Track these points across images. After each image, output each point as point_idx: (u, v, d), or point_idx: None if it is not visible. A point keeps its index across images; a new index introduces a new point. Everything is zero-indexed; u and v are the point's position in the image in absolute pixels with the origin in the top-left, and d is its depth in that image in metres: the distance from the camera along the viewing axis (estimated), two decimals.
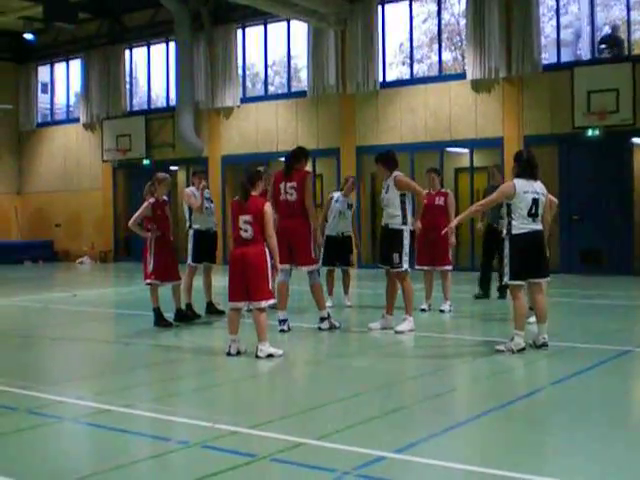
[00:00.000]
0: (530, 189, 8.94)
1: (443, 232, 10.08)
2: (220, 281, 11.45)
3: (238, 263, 8.94)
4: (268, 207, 9.04)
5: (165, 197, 11.61)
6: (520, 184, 8.94)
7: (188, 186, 13.92)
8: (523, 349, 8.92)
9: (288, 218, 10.61)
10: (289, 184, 10.68)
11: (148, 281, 11.35)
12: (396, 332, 10.55)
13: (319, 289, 10.88)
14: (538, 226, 9.02)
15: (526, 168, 9.12)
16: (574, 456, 5.40)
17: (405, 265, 10.53)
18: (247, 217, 8.94)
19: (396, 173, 10.63)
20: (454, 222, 9.63)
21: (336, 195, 13.29)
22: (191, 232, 12.33)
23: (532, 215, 8.91)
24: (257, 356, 8.84)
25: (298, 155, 10.95)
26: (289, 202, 10.67)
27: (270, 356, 8.86)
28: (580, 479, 4.87)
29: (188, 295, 12.12)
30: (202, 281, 12.58)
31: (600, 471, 5.08)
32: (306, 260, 10.71)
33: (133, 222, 11.43)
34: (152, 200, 11.36)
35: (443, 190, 12.93)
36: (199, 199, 12.20)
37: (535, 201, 8.91)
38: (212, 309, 12.49)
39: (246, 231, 8.94)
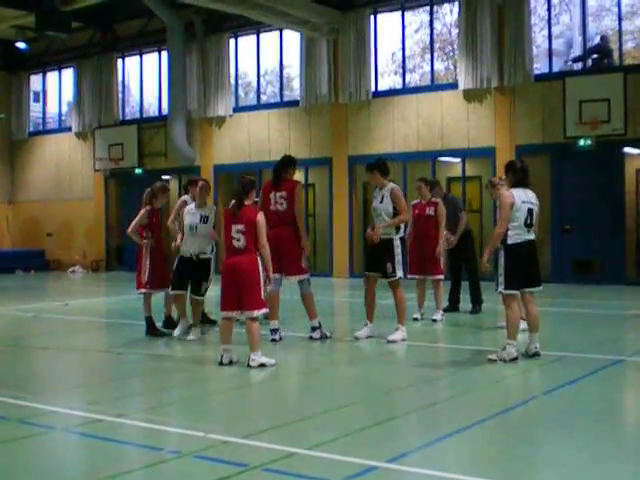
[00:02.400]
0: (526, 199, 9.03)
1: (483, 264, 9.32)
2: (212, 290, 11.44)
3: (230, 272, 8.95)
4: (261, 217, 9.05)
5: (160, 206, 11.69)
6: (517, 194, 9.00)
7: (180, 195, 13.88)
8: (515, 358, 8.93)
9: (278, 228, 10.56)
10: (279, 194, 10.68)
11: (142, 290, 11.36)
12: (389, 341, 10.55)
13: (310, 298, 10.87)
14: (532, 236, 9.08)
15: (522, 177, 9.20)
16: (566, 466, 5.40)
17: (399, 273, 10.59)
18: (240, 226, 8.95)
19: (393, 185, 10.69)
20: (485, 256, 9.23)
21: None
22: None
23: (528, 225, 8.98)
24: (249, 366, 8.83)
25: (286, 164, 10.98)
26: (279, 212, 10.67)
27: (262, 366, 8.85)
28: None
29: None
30: None
31: None
32: (295, 270, 10.72)
33: (132, 229, 11.44)
34: (149, 207, 11.41)
35: (434, 200, 12.90)
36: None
37: (530, 211, 9.00)
38: (205, 318, 12.46)
39: (238, 240, 8.95)
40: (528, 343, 9.25)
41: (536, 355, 9.13)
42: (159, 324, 11.70)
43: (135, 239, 11.49)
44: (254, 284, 8.89)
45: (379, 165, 10.76)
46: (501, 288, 9.01)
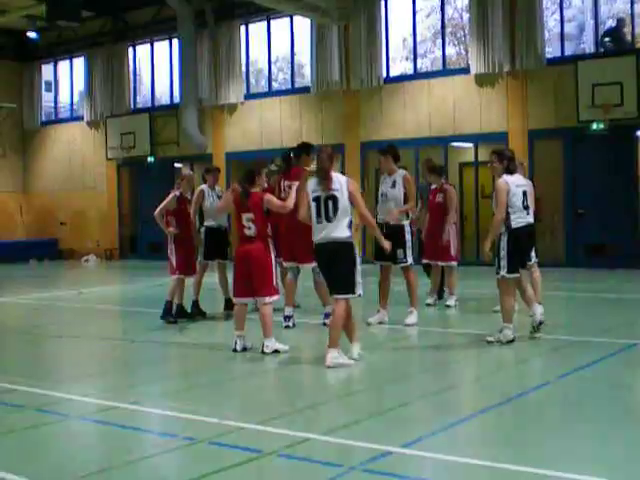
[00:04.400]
0: (518, 182, 9.35)
1: (484, 249, 9.36)
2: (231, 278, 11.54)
3: (242, 260, 8.99)
4: (266, 196, 9.11)
5: (188, 195, 11.75)
6: (511, 179, 9.29)
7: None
8: (512, 341, 9.15)
9: (288, 216, 10.05)
10: (287, 182, 10.66)
11: (175, 277, 11.47)
12: (406, 325, 10.67)
13: (323, 285, 10.86)
14: (532, 219, 9.42)
15: (511, 164, 9.43)
16: (580, 450, 5.40)
17: (410, 259, 10.71)
18: (249, 215, 8.98)
19: (405, 172, 10.80)
20: (487, 243, 9.28)
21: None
22: (202, 229, 12.32)
23: (526, 207, 9.28)
24: (263, 352, 8.85)
25: (297, 152, 11.00)
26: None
27: (276, 352, 8.87)
28: (586, 473, 4.86)
29: (196, 292, 12.09)
30: (217, 279, 12.54)
31: (606, 465, 5.08)
32: (308, 258, 10.67)
33: (159, 212, 11.51)
34: (177, 193, 11.49)
35: (445, 186, 12.83)
36: (210, 198, 12.17)
37: (525, 193, 9.31)
38: (230, 305, 12.45)
39: (249, 228, 8.98)
40: (533, 315, 9.48)
41: (541, 324, 9.41)
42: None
43: (160, 224, 11.54)
44: (266, 270, 8.92)
45: (393, 150, 10.83)
46: (503, 272, 9.19)
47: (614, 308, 12.73)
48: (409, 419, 6.30)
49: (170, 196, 11.54)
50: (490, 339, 9.27)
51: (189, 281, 11.87)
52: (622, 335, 9.85)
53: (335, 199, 8.20)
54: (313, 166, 9.81)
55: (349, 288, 8.27)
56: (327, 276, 8.45)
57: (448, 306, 12.51)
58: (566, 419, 6.17)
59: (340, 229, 8.22)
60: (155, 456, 5.51)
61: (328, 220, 8.20)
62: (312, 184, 8.38)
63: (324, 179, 8.27)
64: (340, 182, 8.29)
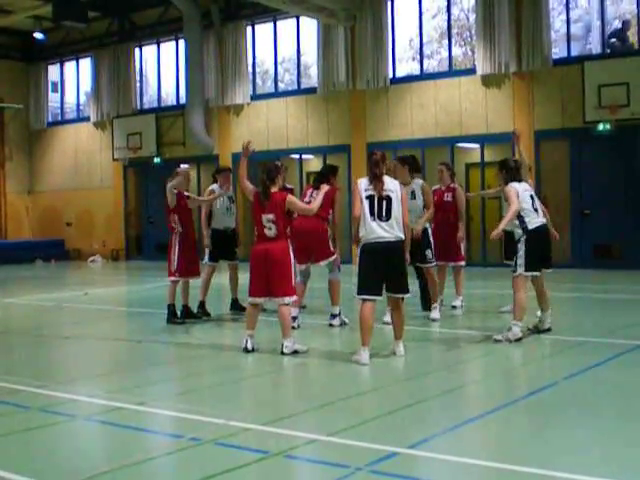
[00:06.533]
0: (524, 187, 9.67)
1: (493, 235, 9.52)
2: (243, 278, 11.51)
3: (261, 259, 8.89)
4: (289, 196, 9.07)
5: (185, 192, 11.73)
6: (517, 185, 9.59)
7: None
8: (520, 339, 9.31)
9: (306, 217, 10.54)
10: (316, 191, 10.78)
11: (172, 278, 11.40)
12: (432, 320, 11.18)
13: (337, 285, 10.94)
14: (544, 220, 9.74)
15: (517, 174, 9.74)
16: (588, 451, 5.38)
17: (434, 260, 11.35)
18: (270, 216, 8.86)
19: (422, 181, 11.15)
20: (499, 229, 9.35)
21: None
22: (209, 231, 12.30)
23: (536, 210, 9.60)
24: (282, 352, 8.79)
25: (326, 173, 11.36)
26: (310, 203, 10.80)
27: (295, 352, 8.81)
28: (594, 474, 4.84)
29: (203, 293, 12.10)
30: (229, 279, 12.57)
31: (615, 466, 5.05)
32: (323, 255, 11.00)
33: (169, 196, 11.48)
34: (176, 191, 11.44)
35: (452, 185, 12.80)
36: (220, 198, 12.18)
37: (532, 197, 9.65)
38: (237, 306, 12.46)
39: (270, 229, 8.88)
40: (542, 320, 9.91)
41: (548, 330, 9.83)
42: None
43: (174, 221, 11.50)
44: (285, 270, 8.87)
45: (411, 160, 11.36)
46: (521, 270, 9.43)
47: (621, 309, 12.69)
48: (415, 420, 6.29)
49: (168, 190, 11.41)
50: (498, 337, 9.39)
51: (194, 282, 11.85)
52: (629, 336, 9.81)
53: (390, 200, 8.38)
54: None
55: (407, 287, 8.64)
56: (379, 275, 8.45)
57: (454, 306, 12.48)
58: (574, 420, 6.15)
59: (397, 229, 8.39)
60: (161, 457, 5.50)
61: (381, 219, 8.35)
62: (364, 184, 8.52)
63: (378, 181, 8.42)
64: (394, 184, 8.55)
